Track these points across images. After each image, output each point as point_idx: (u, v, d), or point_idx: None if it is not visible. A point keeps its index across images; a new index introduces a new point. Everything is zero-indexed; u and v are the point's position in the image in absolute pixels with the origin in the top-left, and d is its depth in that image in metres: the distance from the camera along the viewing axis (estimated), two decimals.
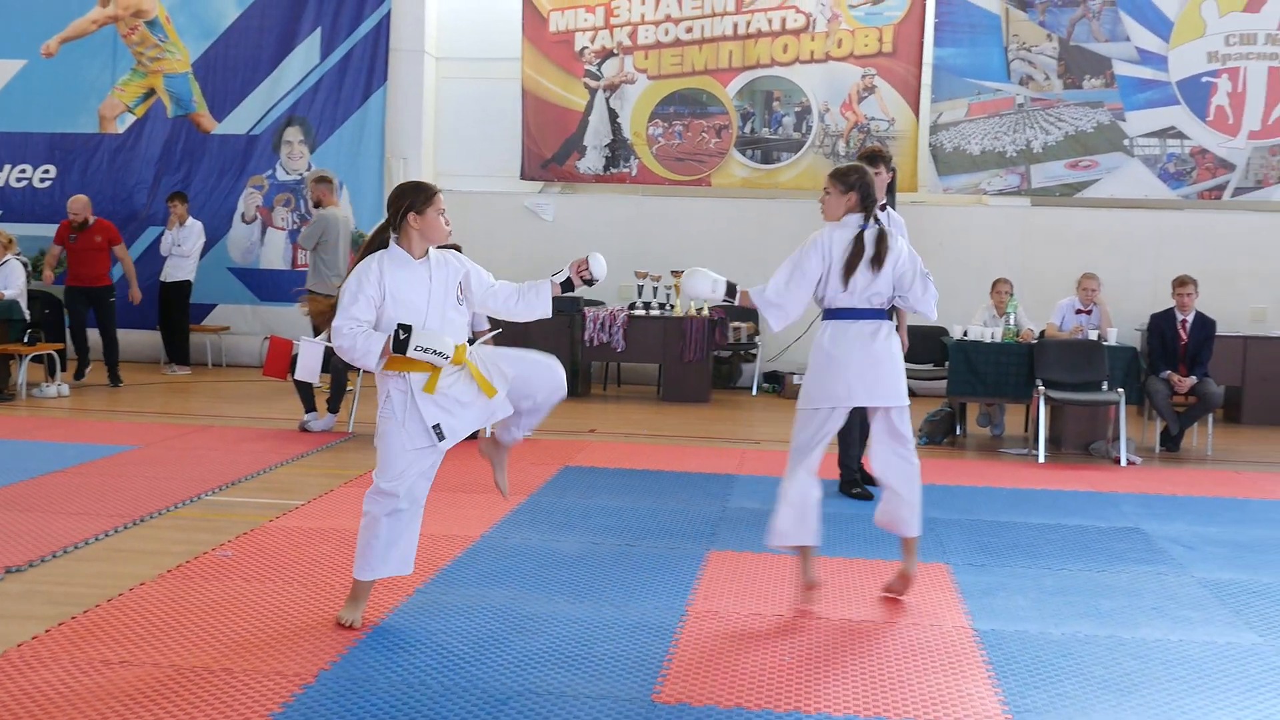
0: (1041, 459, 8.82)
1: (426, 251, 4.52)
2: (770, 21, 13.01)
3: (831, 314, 5.13)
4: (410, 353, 4.32)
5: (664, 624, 4.69)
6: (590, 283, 4.68)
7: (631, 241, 13.04)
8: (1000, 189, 12.87)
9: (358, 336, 4.38)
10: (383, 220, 4.55)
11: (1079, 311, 9.86)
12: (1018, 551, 6.06)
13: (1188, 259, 11.74)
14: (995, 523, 6.72)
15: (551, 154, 13.36)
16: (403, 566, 4.64)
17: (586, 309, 11.87)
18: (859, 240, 5.03)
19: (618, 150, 13.27)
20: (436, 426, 4.43)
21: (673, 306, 11.96)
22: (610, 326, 11.69)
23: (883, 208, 6.83)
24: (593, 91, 13.28)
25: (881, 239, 5.05)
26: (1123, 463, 8.75)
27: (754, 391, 12.68)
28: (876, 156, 6.89)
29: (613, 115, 13.26)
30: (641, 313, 11.82)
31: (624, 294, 12.69)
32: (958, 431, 9.76)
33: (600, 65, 13.25)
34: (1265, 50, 12.55)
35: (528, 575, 5.32)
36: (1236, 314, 12.19)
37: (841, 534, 6.26)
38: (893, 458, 5.15)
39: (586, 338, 11.71)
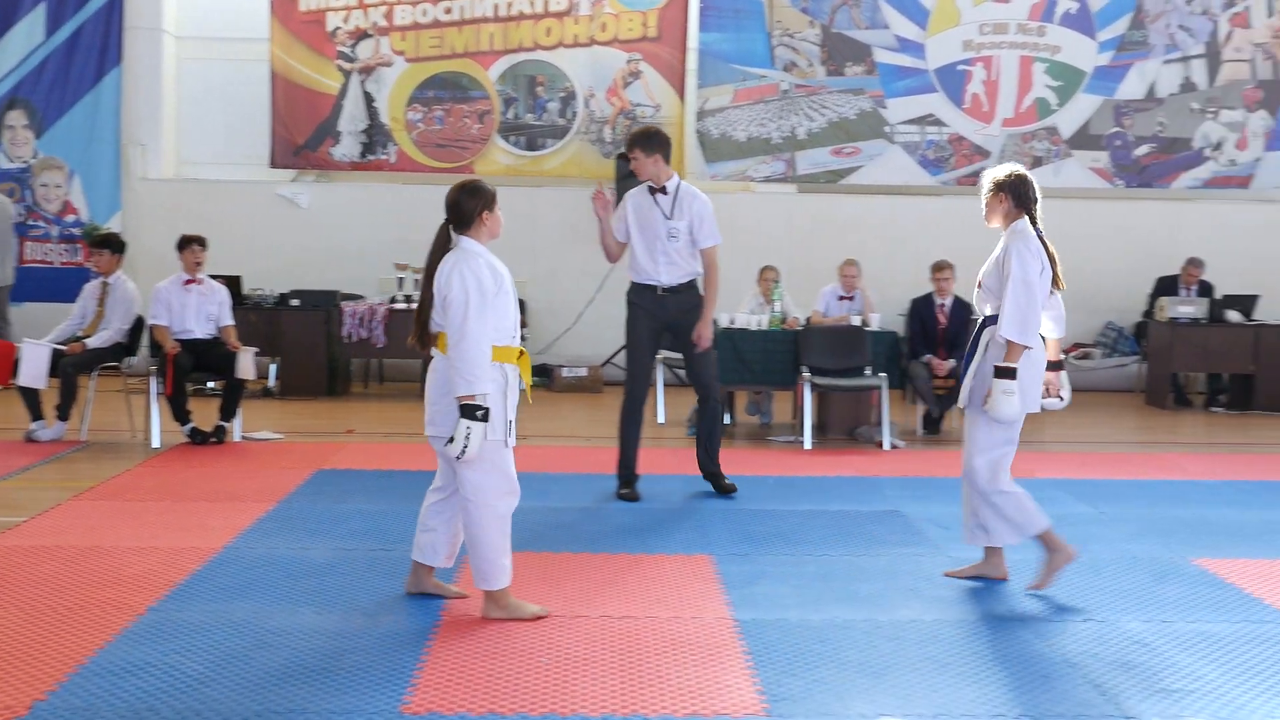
0: (808, 445, 9.09)
1: None
2: (533, 3, 13.00)
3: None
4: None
5: (417, 632, 4.62)
6: None
7: (392, 231, 12.84)
8: (767, 176, 13.20)
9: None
10: (443, 224, 4.85)
11: (842, 298, 10.20)
12: (781, 539, 6.22)
13: (948, 244, 12.24)
14: (760, 511, 6.88)
15: (304, 140, 13.03)
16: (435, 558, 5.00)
17: (344, 304, 11.63)
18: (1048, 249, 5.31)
19: (375, 136, 13.04)
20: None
21: None
22: (370, 321, 11.48)
23: (663, 191, 6.99)
24: (347, 74, 13.02)
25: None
26: (886, 446, 9.09)
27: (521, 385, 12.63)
28: (630, 142, 7.07)
29: (369, 99, 13.03)
30: (403, 306, 11.65)
31: (384, 287, 12.49)
32: (726, 420, 9.95)
33: (354, 47, 13.00)
34: (1017, 39, 13.23)
35: (273, 587, 5.17)
36: None
37: (603, 529, 6.31)
38: None
39: (345, 333, 11.48)
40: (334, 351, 11.58)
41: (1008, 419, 5.22)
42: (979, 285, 5.50)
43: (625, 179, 12.11)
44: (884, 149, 13.21)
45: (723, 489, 7.29)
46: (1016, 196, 5.40)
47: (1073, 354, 13.03)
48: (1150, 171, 13.44)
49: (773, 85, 13.12)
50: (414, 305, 11.50)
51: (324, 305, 11.59)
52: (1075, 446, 9.54)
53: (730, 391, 9.96)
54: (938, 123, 13.22)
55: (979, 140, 13.26)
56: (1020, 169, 5.49)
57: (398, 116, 13.05)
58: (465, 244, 4.79)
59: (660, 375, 10.68)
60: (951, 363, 9.75)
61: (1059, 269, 5.37)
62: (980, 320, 5.49)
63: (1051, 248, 5.38)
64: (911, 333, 10.08)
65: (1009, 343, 5.18)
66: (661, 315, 7.13)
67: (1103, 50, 13.30)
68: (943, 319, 9.94)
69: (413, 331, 4.87)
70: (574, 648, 4.48)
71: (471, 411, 4.55)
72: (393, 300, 11.79)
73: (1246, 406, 11.68)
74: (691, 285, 7.14)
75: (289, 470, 7.75)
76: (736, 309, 10.30)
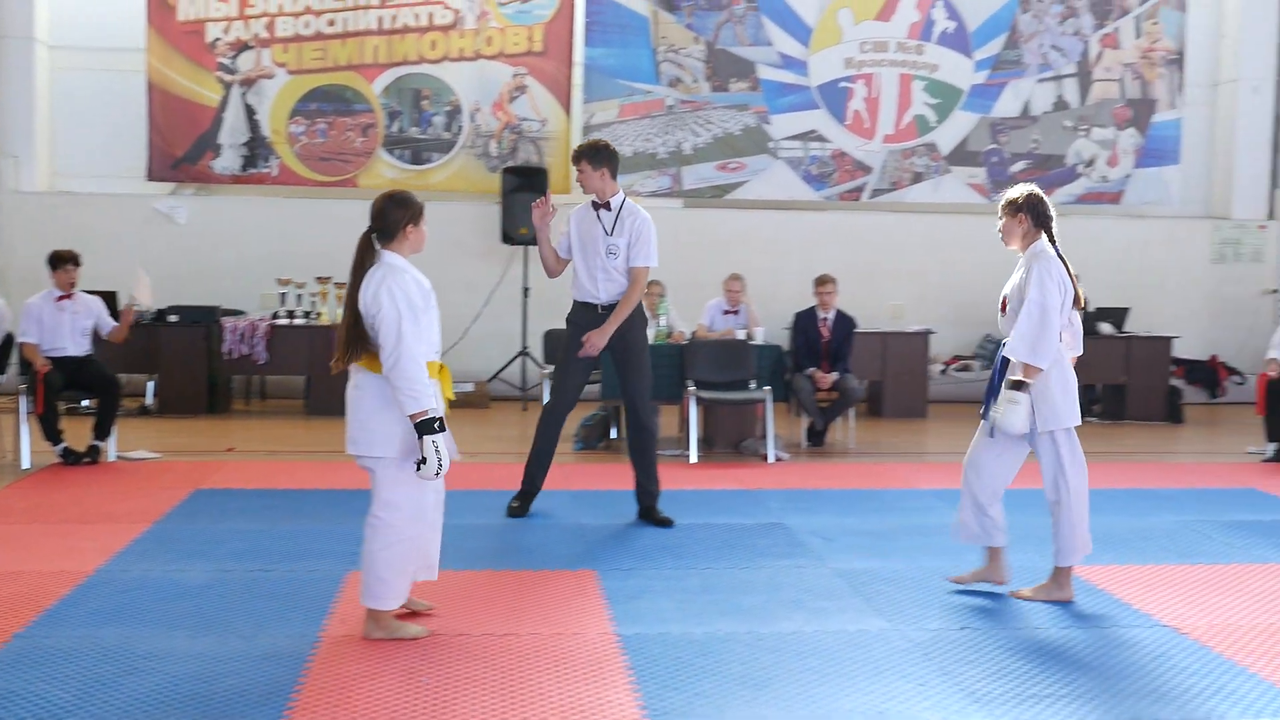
0: (694, 459, 9.13)
1: None
2: (417, 17, 12.91)
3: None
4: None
5: (295, 652, 4.55)
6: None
7: (274, 246, 12.65)
8: (653, 190, 13.25)
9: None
10: (366, 231, 4.75)
11: (726, 312, 10.28)
12: (665, 553, 6.24)
13: (831, 258, 12.46)
14: (645, 525, 6.89)
15: (183, 153, 12.77)
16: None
17: (224, 319, 11.42)
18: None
19: (256, 149, 12.83)
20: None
21: (319, 314, 11.66)
22: (251, 337, 11.29)
23: (607, 207, 6.86)
24: (227, 86, 12.79)
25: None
26: (770, 459, 9.17)
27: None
28: (577, 155, 6.92)
29: (250, 112, 12.82)
30: (285, 322, 11.48)
31: (266, 302, 12.29)
32: (613, 435, 9.97)
33: (235, 58, 12.78)
34: (896, 58, 13.47)
35: (146, 610, 5.05)
36: (876, 311, 13.04)
37: (486, 546, 6.29)
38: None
39: (225, 350, 11.27)
40: (214, 368, 11.37)
41: (1013, 430, 5.26)
42: (1003, 307, 5.52)
43: (511, 193, 12.09)
44: (768, 164, 13.35)
45: (659, 520, 6.90)
46: (1035, 216, 5.45)
47: (952, 366, 13.29)
48: None
49: (658, 101, 13.19)
50: (298, 322, 11.42)
51: (204, 321, 11.37)
52: (955, 457, 9.67)
53: (618, 406, 9.97)
54: (821, 139, 13.40)
55: (861, 156, 13.47)
56: (1034, 188, 5.53)
57: (280, 129, 12.86)
58: (389, 259, 4.73)
59: (546, 389, 10.64)
60: (835, 375, 9.88)
61: (1079, 288, 5.45)
62: (1003, 342, 5.50)
63: (1070, 266, 5.44)
64: (795, 346, 10.20)
65: (1025, 365, 5.25)
66: None
67: (979, 69, 13.60)
68: (825, 332, 10.07)
69: (337, 352, 4.72)
70: (456, 667, 4.45)
71: (429, 426, 4.53)
72: (275, 316, 11.61)
73: (1119, 416, 12.01)
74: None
75: (166, 490, 7.58)
76: None
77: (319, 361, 11.23)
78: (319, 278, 11.59)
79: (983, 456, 5.52)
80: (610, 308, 6.86)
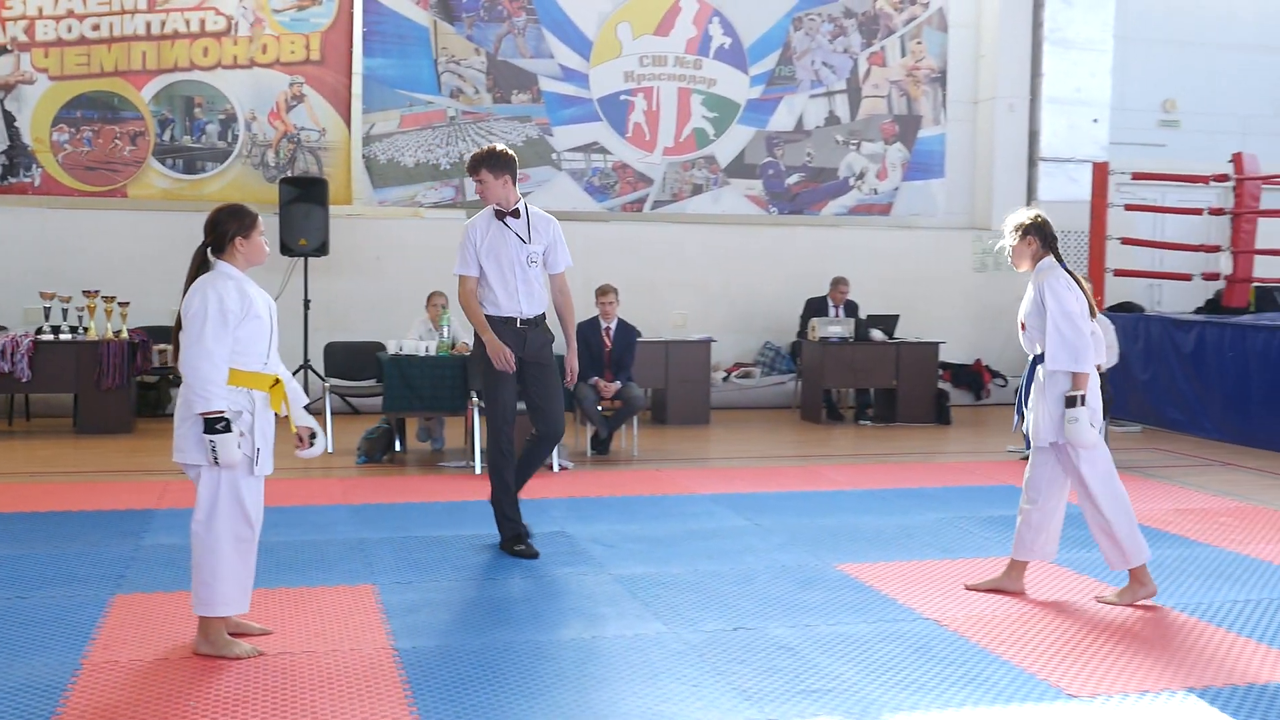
0: (479, 470, 9.08)
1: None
2: (188, 23, 12.51)
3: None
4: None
5: (53, 682, 4.35)
6: None
7: (37, 259, 12.09)
8: (436, 201, 13.15)
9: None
10: (202, 244, 4.77)
11: None
12: (446, 565, 6.19)
13: (615, 269, 12.57)
14: (427, 538, 6.83)
15: None
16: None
17: None
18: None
19: (17, 158, 12.23)
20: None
21: (87, 329, 11.17)
22: (13, 355, 10.71)
23: (515, 214, 6.43)
24: None
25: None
26: (555, 469, 9.19)
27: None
28: (476, 163, 6.41)
29: (9, 119, 12.21)
30: (50, 338, 10.95)
31: (30, 318, 11.72)
32: (397, 448, 9.85)
33: None
34: (675, 72, 13.70)
35: None
36: (660, 321, 13.22)
37: (261, 564, 6.12)
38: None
39: None
40: None
41: (1088, 444, 5.44)
42: (1022, 327, 5.63)
43: (289, 203, 11.82)
44: (551, 175, 13.40)
45: (526, 552, 6.45)
46: (1043, 238, 5.57)
47: (734, 373, 13.57)
48: (801, 199, 14.17)
49: (440, 111, 13.09)
50: (64, 337, 10.91)
51: None
52: (736, 462, 9.92)
53: (401, 418, 9.86)
54: (603, 150, 13.52)
55: (642, 168, 13.64)
56: (1039, 211, 5.67)
57: (42, 137, 12.28)
58: (220, 267, 4.74)
59: (328, 402, 10.46)
60: (617, 384, 9.97)
61: (1090, 298, 5.60)
62: (1030, 360, 5.64)
63: (1080, 279, 5.60)
64: (578, 355, 10.23)
65: (1072, 374, 5.40)
66: (520, 350, 6.43)
67: (754, 84, 13.94)
68: (608, 341, 10.16)
69: (173, 354, 4.80)
70: (225, 689, 4.32)
71: (212, 426, 4.53)
72: (39, 331, 11.06)
73: (891, 419, 12.45)
74: (544, 318, 6.58)
75: None
76: (405, 335, 10.21)
77: (87, 378, 10.77)
78: (86, 291, 11.10)
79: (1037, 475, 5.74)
80: (529, 321, 6.45)
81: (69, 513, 7.41)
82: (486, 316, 6.43)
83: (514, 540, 6.51)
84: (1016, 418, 5.86)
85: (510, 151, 6.48)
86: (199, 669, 4.53)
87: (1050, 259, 5.62)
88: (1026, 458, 9.87)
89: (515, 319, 6.44)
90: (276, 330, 4.86)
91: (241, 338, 4.65)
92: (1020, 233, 5.61)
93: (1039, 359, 5.61)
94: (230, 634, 4.77)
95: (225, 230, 4.73)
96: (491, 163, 6.36)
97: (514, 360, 6.38)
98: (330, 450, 9.84)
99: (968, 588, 5.87)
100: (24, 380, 10.74)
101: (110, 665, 4.56)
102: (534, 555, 6.40)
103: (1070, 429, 5.46)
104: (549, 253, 6.52)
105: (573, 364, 6.72)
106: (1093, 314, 5.63)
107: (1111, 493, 5.58)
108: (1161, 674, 4.66)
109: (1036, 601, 5.67)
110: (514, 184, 6.45)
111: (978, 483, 8.95)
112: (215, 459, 4.54)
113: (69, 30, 12.31)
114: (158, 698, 4.22)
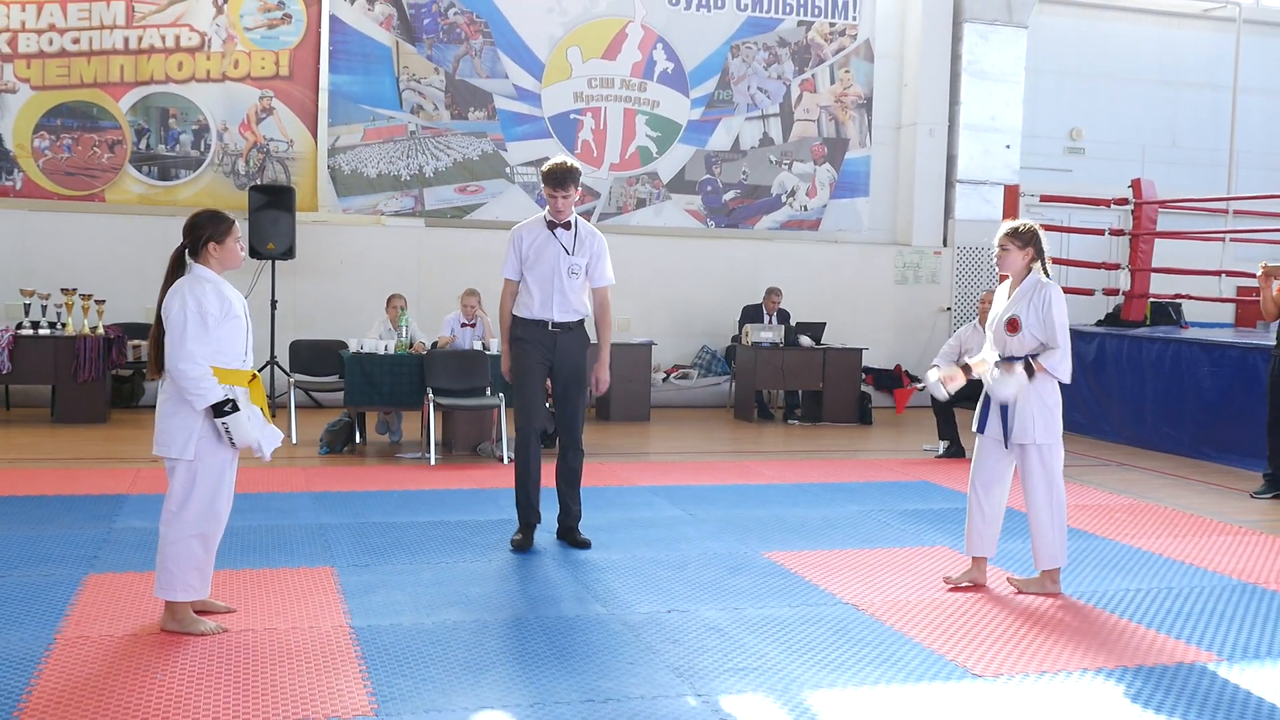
0: (433, 461, 9.07)
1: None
2: (164, 38, 12.36)
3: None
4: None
5: (27, 656, 4.30)
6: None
7: (18, 258, 11.90)
8: (396, 210, 13.08)
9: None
10: (179, 246, 4.71)
11: (464, 325, 10.25)
12: (401, 550, 6.18)
13: None
14: (384, 524, 6.81)
15: None
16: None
17: None
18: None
19: (0, 163, 12.04)
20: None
21: (64, 325, 11.02)
22: None
23: (566, 226, 6.38)
24: None
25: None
26: (505, 461, 9.19)
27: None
28: (566, 176, 6.27)
29: None
30: (30, 332, 10.79)
31: (11, 313, 11.54)
32: (358, 440, 9.80)
33: None
34: (621, 93, 13.71)
35: None
36: None
37: (225, 546, 6.08)
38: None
39: None
40: None
41: (1004, 398, 5.38)
42: (1010, 328, 5.41)
43: (258, 210, 11.71)
44: (505, 188, 13.37)
45: (578, 542, 6.43)
46: (1039, 248, 5.44)
47: (673, 374, 13.61)
48: (737, 214, 14.23)
49: (401, 126, 13.03)
50: (43, 332, 10.75)
51: None
52: (673, 456, 9.96)
53: (361, 412, 9.81)
54: None
55: (589, 183, 13.63)
56: (1031, 221, 5.52)
57: (24, 144, 12.09)
58: (196, 271, 4.70)
59: (292, 396, 10.39)
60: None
61: None
62: (999, 360, 5.47)
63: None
64: None
65: (1046, 370, 5.39)
66: (550, 352, 6.40)
67: (695, 106, 13.99)
68: None
69: (150, 362, 4.74)
70: (191, 663, 4.30)
71: (220, 410, 4.55)
72: (19, 326, 10.90)
73: (818, 418, 12.53)
74: (580, 325, 6.51)
75: None
76: (365, 335, 10.16)
77: (64, 370, 10.63)
78: (64, 289, 10.95)
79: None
80: (561, 326, 6.39)
81: (45, 497, 7.31)
82: (518, 317, 6.41)
83: (521, 530, 6.40)
84: (980, 418, 5.63)
85: (578, 167, 6.38)
86: (166, 644, 4.50)
87: (1038, 270, 5.48)
88: (941, 455, 10.07)
89: (547, 322, 6.40)
90: (251, 328, 4.84)
91: (222, 337, 4.63)
92: (1021, 241, 5.43)
93: (1014, 359, 5.42)
94: (196, 612, 4.74)
95: (203, 234, 4.69)
96: (579, 179, 6.32)
97: (510, 372, 6.50)
98: (295, 441, 9.79)
99: (948, 585, 5.79)
100: (4, 372, 10.59)
101: (83, 640, 4.52)
102: (523, 549, 6.27)
103: (1006, 378, 5.37)
104: (592, 266, 6.48)
105: (602, 375, 6.58)
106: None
107: (1059, 496, 5.55)
108: (1060, 655, 4.75)
109: (949, 589, 5.75)
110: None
111: (896, 479, 9.04)
112: (231, 441, 4.57)
113: (50, 43, 12.12)
114: (127, 671, 4.19)
